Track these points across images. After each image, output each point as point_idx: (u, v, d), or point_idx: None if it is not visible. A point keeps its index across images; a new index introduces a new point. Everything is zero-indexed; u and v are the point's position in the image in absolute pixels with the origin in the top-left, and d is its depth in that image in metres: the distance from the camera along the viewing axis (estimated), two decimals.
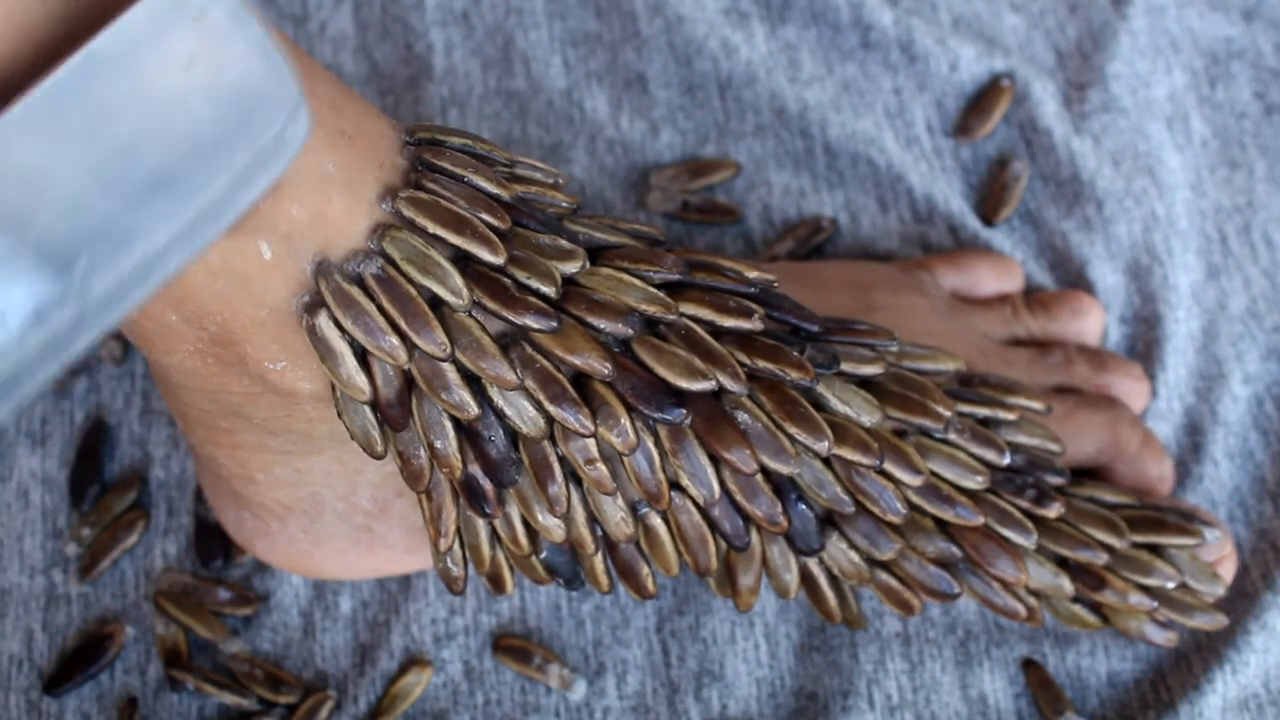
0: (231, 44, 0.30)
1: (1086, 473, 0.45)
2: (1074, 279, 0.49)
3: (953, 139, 0.52)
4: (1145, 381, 0.47)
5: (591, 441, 0.36)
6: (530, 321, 0.34)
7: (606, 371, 0.35)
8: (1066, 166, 0.51)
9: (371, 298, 0.34)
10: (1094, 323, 0.48)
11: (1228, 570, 0.43)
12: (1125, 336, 0.49)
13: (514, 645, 0.44)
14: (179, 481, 0.46)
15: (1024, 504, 0.40)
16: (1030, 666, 0.44)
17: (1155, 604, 0.41)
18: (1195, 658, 0.44)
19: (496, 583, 0.39)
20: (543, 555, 0.39)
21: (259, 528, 0.42)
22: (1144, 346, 0.48)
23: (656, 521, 0.38)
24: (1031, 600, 0.41)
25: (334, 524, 0.42)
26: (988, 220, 0.50)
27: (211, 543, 0.45)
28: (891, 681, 0.43)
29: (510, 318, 0.34)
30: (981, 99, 0.52)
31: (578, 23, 0.54)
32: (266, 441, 0.38)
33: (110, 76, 0.29)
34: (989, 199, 0.51)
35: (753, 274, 0.38)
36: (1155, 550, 0.41)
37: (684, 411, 0.36)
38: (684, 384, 0.36)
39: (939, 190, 0.50)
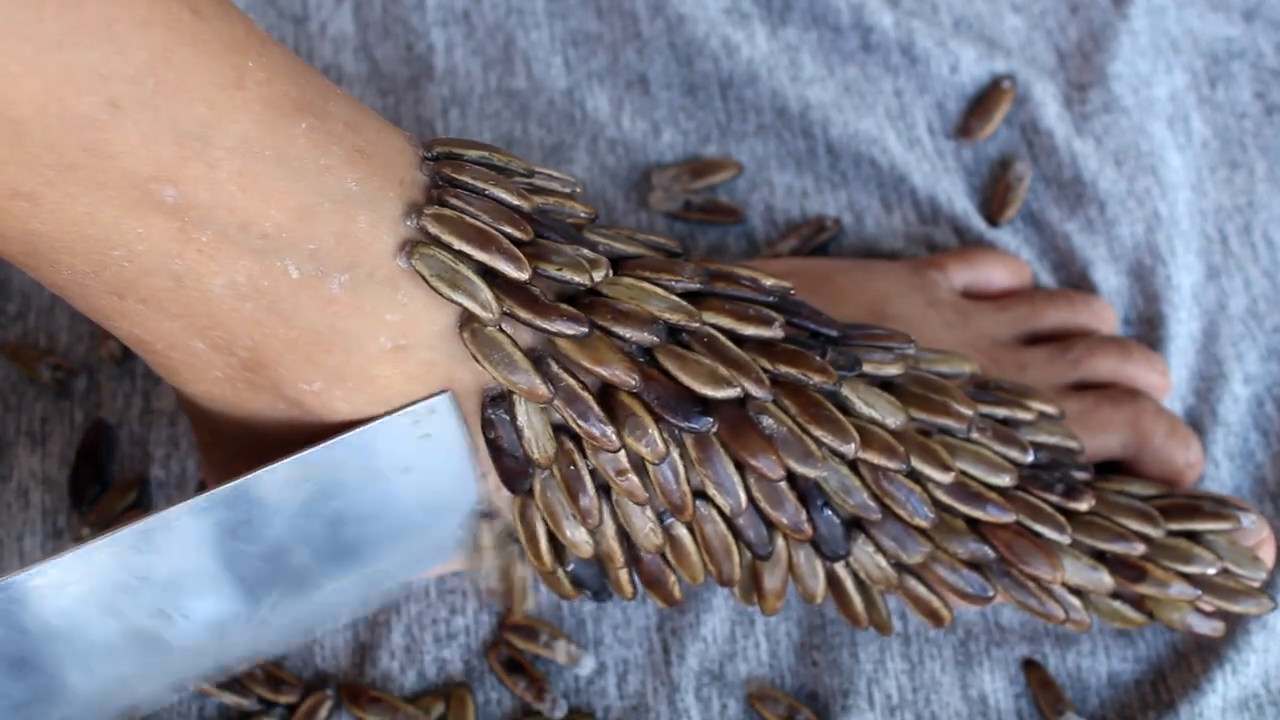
0: (442, 462, 0.36)
1: (1113, 467, 0.45)
2: (1077, 281, 0.49)
3: (954, 141, 0.52)
4: (1168, 377, 0.46)
5: (622, 453, 0.36)
6: (562, 327, 0.34)
7: (634, 382, 0.35)
8: (1069, 168, 0.51)
9: None
10: (1110, 326, 0.48)
11: (1268, 554, 0.42)
12: (1129, 337, 0.49)
13: (520, 624, 0.44)
14: (179, 481, 0.46)
15: (1054, 499, 0.40)
16: (1030, 666, 0.44)
17: (1198, 593, 0.40)
18: (1195, 658, 0.43)
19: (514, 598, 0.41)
20: (569, 568, 0.39)
21: None
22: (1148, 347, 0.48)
23: (682, 532, 0.38)
24: (1075, 601, 0.40)
25: None
26: (992, 221, 0.50)
27: None
28: (891, 681, 0.43)
29: (543, 325, 0.34)
30: (983, 101, 0.52)
31: (579, 23, 0.54)
32: None
33: (343, 462, 0.35)
34: (993, 200, 0.51)
35: (769, 282, 0.38)
36: (1193, 537, 0.41)
37: (711, 420, 0.36)
38: (709, 392, 0.36)
39: (942, 191, 0.50)
